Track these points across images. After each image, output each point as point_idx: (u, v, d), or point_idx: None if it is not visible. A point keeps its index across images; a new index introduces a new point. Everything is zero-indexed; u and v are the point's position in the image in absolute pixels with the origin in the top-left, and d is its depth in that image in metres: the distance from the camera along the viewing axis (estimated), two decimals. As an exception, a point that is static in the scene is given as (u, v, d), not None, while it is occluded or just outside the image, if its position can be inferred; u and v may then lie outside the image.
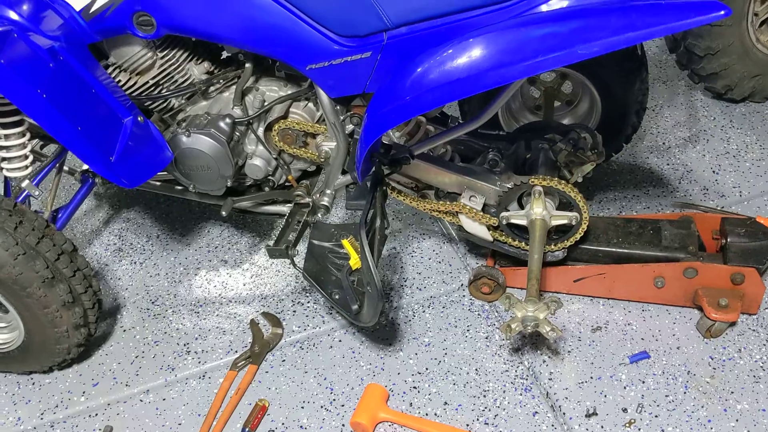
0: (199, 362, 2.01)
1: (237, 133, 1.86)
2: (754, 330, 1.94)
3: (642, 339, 1.95)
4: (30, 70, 1.55)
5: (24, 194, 1.92)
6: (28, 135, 1.94)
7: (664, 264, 1.92)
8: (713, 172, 2.46)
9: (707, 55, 2.52)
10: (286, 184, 2.01)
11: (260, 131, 1.89)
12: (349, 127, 1.80)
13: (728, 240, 1.91)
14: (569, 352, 1.94)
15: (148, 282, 2.27)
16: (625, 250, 1.97)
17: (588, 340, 1.96)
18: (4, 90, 1.51)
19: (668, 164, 2.50)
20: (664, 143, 2.59)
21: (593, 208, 2.36)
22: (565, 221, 1.86)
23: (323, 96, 1.71)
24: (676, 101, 2.78)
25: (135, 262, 2.34)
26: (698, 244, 1.96)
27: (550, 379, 1.87)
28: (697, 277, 1.90)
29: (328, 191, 1.92)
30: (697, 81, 2.69)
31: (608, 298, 2.05)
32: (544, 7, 1.43)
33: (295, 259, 1.86)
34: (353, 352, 2.00)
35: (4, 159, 1.93)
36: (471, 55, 1.35)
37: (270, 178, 1.97)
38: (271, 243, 1.83)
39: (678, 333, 1.96)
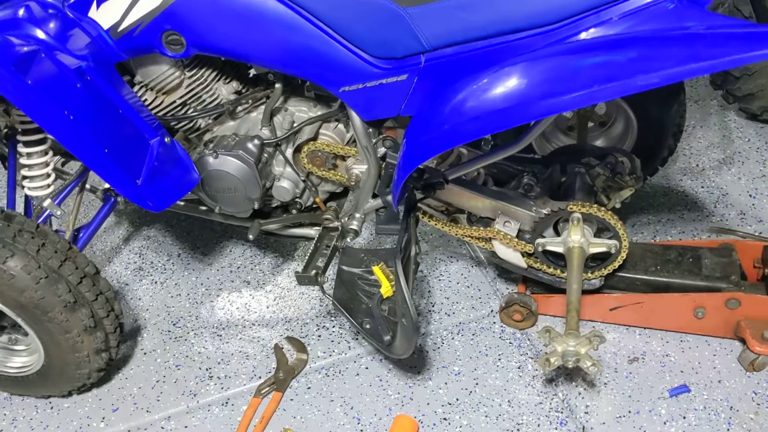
0: (222, 388, 1.96)
1: (265, 155, 1.81)
2: (798, 364, 1.87)
3: (681, 371, 1.88)
4: (57, 90, 1.50)
5: (46, 214, 1.88)
6: (50, 153, 1.90)
7: (705, 294, 1.86)
8: (750, 195, 2.39)
9: (744, 75, 2.46)
10: (313, 206, 1.96)
11: (289, 153, 1.84)
12: (381, 150, 1.75)
13: (773, 270, 1.85)
14: (605, 384, 1.87)
15: (169, 303, 2.22)
16: (664, 279, 1.90)
17: (625, 371, 1.89)
18: (31, 111, 1.47)
19: (703, 187, 2.43)
20: (698, 165, 2.52)
21: (627, 231, 2.28)
22: (603, 249, 1.80)
23: (356, 119, 1.66)
24: (709, 122, 2.72)
25: (156, 282, 2.29)
26: (740, 274, 1.89)
27: (586, 413, 1.81)
28: (740, 308, 1.83)
29: (358, 215, 1.87)
30: (732, 101, 2.62)
31: (645, 328, 1.98)
32: (583, 35, 1.37)
33: (324, 285, 1.80)
34: (380, 380, 1.93)
35: (25, 177, 1.89)
36: (518, 82, 1.29)
37: (297, 200, 1.92)
38: (299, 269, 1.78)
39: (719, 366, 1.88)
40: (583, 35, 1.36)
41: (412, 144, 1.44)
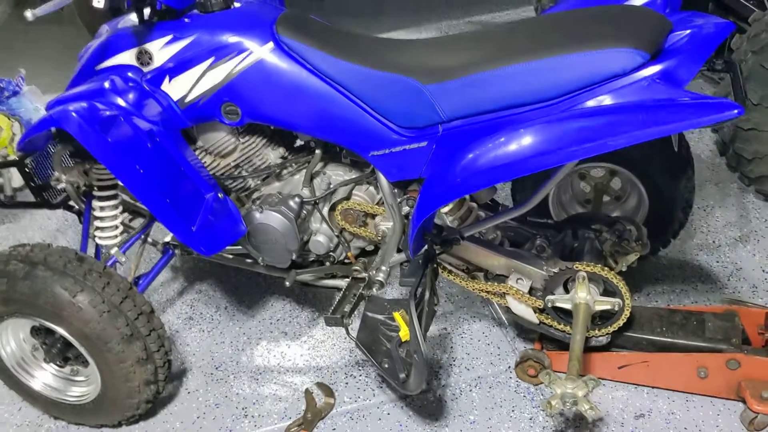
0: (255, 426, 2.13)
1: (304, 212, 2.05)
2: (800, 426, 1.94)
3: (685, 429, 1.98)
4: (131, 148, 1.79)
5: (112, 260, 2.15)
6: (119, 208, 2.19)
7: (707, 354, 1.97)
8: (763, 271, 2.50)
9: (755, 158, 2.62)
10: (346, 261, 2.17)
11: (325, 211, 2.08)
12: (405, 209, 1.97)
13: (772, 334, 1.96)
14: (612, 437, 1.98)
15: (213, 349, 2.43)
16: (669, 339, 2.02)
17: (631, 426, 2.00)
18: (109, 164, 1.76)
19: (718, 262, 2.56)
20: (714, 242, 2.66)
21: (641, 300, 2.42)
22: (608, 307, 1.95)
23: (383, 180, 1.89)
24: (727, 202, 2.86)
25: (203, 330, 2.52)
26: (742, 338, 2.00)
27: (592, 463, 1.91)
28: (740, 369, 1.94)
29: (384, 268, 2.07)
30: (748, 183, 2.77)
31: (653, 387, 2.09)
32: (578, 108, 1.59)
33: (349, 328, 2.00)
34: (400, 425, 2.08)
35: (98, 228, 2.18)
36: (515, 144, 1.51)
37: (331, 254, 2.14)
38: (329, 313, 1.98)
39: (721, 424, 1.97)
40: (580, 106, 1.58)
41: (424, 196, 1.66)
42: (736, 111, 1.28)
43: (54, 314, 1.90)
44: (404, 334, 1.85)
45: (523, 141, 1.50)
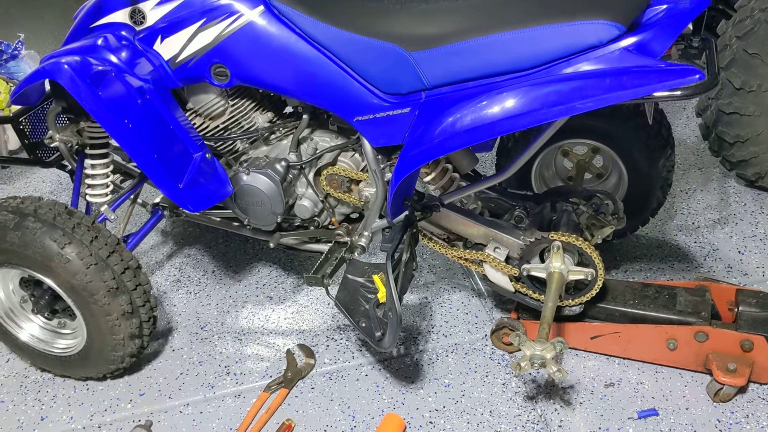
0: (237, 383, 2.19)
1: (290, 176, 2.10)
2: (763, 398, 2.00)
3: (653, 398, 2.03)
4: (121, 103, 1.84)
5: (101, 217, 2.20)
6: (111, 167, 2.24)
7: (676, 326, 2.02)
8: (738, 252, 2.56)
9: (737, 142, 2.66)
10: (330, 226, 2.22)
11: (311, 176, 2.13)
12: (388, 176, 2.02)
13: (740, 309, 2.01)
14: (581, 403, 2.03)
15: (199, 310, 2.49)
16: (640, 311, 2.08)
17: (600, 394, 2.06)
18: (98, 117, 1.80)
19: (695, 242, 2.61)
20: (693, 223, 2.71)
21: (619, 275, 2.48)
22: (581, 276, 2.00)
23: (367, 145, 1.94)
24: (709, 186, 2.91)
25: (190, 293, 2.57)
26: (711, 312, 2.05)
27: (560, 426, 1.97)
28: (708, 341, 1.99)
29: (366, 233, 2.12)
30: (729, 168, 2.82)
31: (624, 358, 2.15)
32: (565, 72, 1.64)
33: (329, 288, 2.05)
34: (377, 386, 2.14)
35: (89, 186, 2.23)
36: (490, 107, 1.56)
37: (316, 219, 2.19)
38: (310, 272, 2.04)
39: (688, 395, 2.03)
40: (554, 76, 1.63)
41: (403, 158, 1.71)
42: (697, 76, 1.33)
43: (42, 265, 1.95)
44: (382, 295, 1.91)
45: (498, 105, 1.55)
